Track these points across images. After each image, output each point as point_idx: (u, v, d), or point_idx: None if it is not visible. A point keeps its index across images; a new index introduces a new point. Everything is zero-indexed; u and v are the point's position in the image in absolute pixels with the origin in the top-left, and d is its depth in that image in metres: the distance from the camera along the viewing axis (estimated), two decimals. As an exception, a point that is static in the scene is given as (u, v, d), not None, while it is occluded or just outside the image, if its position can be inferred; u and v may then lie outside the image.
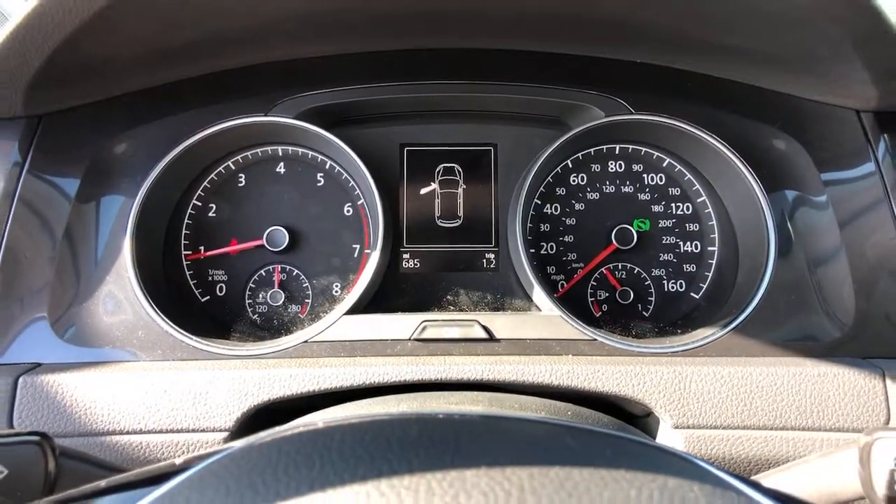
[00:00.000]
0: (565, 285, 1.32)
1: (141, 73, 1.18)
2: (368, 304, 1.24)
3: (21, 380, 1.00)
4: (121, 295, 1.14)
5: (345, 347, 1.12)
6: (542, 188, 1.34)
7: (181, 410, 0.99)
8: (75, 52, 0.97)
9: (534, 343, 1.11)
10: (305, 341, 1.12)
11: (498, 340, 1.11)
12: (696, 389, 1.00)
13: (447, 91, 1.28)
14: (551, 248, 1.34)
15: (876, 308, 1.12)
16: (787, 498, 0.49)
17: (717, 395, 1.00)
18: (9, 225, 1.12)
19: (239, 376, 1.02)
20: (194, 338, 1.11)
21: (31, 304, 1.11)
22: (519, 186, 1.28)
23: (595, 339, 1.11)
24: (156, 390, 1.01)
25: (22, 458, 0.74)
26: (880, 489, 0.74)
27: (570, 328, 1.12)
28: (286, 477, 0.45)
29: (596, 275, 1.33)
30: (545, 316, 1.15)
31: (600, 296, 1.32)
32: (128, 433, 0.99)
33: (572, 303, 1.30)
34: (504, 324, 1.12)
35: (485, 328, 1.11)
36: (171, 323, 1.11)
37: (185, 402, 1.00)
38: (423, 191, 1.34)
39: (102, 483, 0.63)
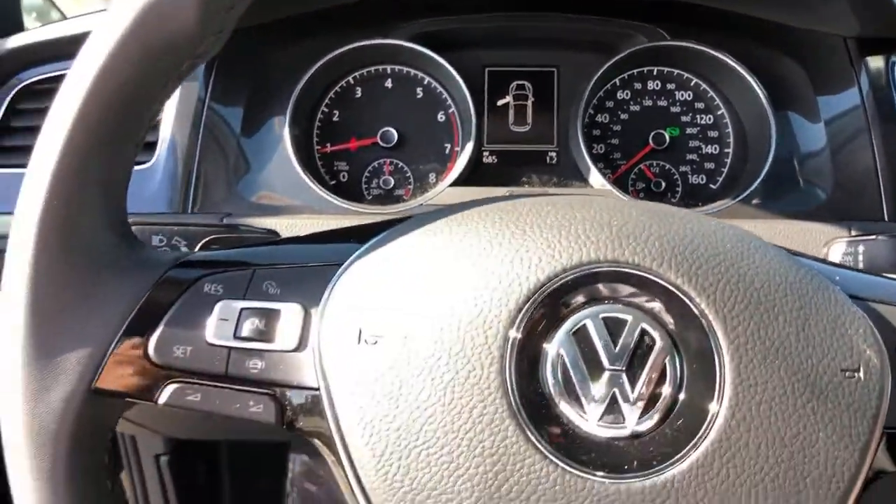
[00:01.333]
0: (612, 176, 1.69)
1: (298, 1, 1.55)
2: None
3: (225, 219, 1.41)
4: (286, 176, 1.53)
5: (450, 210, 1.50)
6: (594, 101, 1.70)
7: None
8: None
9: (591, 208, 1.49)
10: (421, 204, 1.51)
11: (564, 206, 1.50)
12: (710, 237, 1.38)
13: (522, 21, 1.65)
14: (601, 148, 1.71)
15: (849, 193, 1.49)
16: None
17: (725, 240, 1.38)
18: (199, 147, 1.50)
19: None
20: (343, 200, 1.50)
21: (223, 190, 1.51)
22: (578, 99, 1.64)
23: (636, 205, 1.49)
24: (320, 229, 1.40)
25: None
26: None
27: (619, 196, 1.50)
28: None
29: (635, 170, 1.70)
30: (599, 189, 1.53)
31: (638, 186, 1.70)
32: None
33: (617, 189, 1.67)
34: (568, 194, 1.50)
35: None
36: (325, 190, 1.51)
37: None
38: (500, 102, 1.71)
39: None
